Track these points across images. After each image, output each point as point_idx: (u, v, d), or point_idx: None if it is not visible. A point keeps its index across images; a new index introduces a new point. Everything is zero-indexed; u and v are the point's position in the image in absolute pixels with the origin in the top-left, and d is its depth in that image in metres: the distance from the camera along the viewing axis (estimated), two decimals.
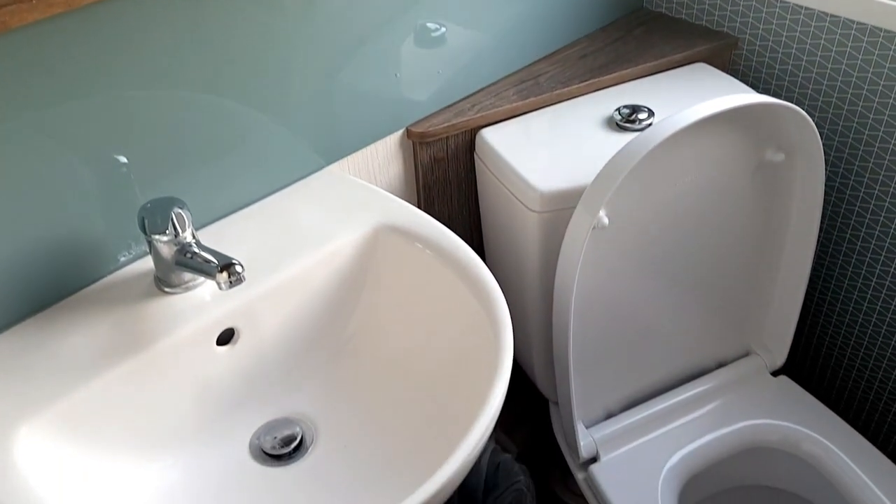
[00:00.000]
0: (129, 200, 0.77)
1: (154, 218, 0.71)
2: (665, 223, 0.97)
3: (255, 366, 0.80)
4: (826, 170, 1.11)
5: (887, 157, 1.03)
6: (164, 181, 0.78)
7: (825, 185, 1.05)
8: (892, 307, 1.12)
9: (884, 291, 1.12)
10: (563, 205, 0.93)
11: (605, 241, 0.93)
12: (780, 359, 1.14)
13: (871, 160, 1.05)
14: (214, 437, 0.77)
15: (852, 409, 1.25)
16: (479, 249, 1.12)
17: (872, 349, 1.17)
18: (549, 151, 0.99)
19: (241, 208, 0.86)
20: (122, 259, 0.79)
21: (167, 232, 0.71)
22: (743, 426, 1.07)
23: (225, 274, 0.69)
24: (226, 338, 0.78)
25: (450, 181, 1.04)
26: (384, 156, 0.98)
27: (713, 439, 1.06)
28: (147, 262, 0.79)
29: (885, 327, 1.14)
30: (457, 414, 0.72)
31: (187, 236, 0.73)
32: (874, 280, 1.13)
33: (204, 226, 0.84)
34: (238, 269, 0.69)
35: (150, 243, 0.74)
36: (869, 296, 1.15)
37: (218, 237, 0.83)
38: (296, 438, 0.77)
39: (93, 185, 0.74)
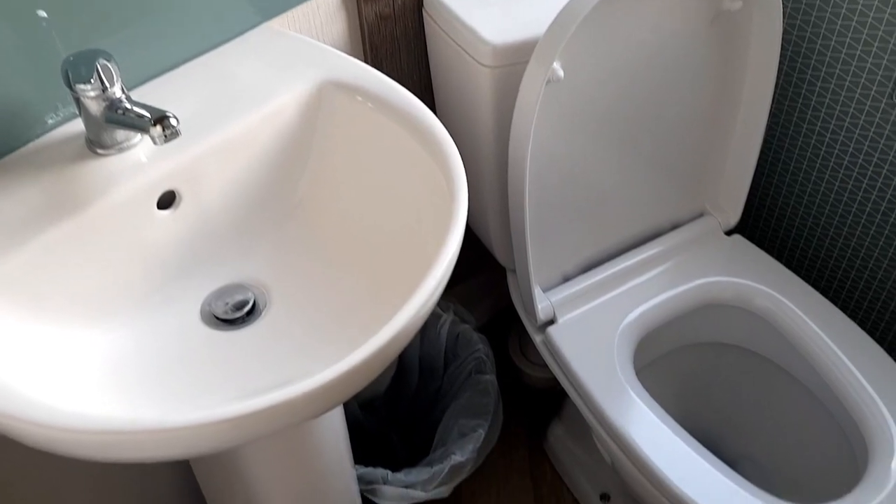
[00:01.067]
0: (52, 59, 0.71)
1: (78, 69, 0.66)
2: (621, 77, 0.94)
3: (201, 231, 0.77)
4: (783, 22, 1.09)
5: (845, 6, 1.01)
6: (89, 38, 0.73)
7: (782, 38, 1.03)
8: (845, 164, 1.12)
9: (836, 148, 1.12)
10: (517, 59, 0.89)
11: (560, 97, 0.90)
12: (734, 218, 1.14)
13: (829, 9, 1.03)
14: (164, 304, 0.74)
15: (804, 265, 1.28)
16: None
17: (825, 206, 1.18)
18: (502, 5, 0.94)
19: (174, 67, 0.81)
20: (50, 122, 0.74)
21: (93, 83, 0.66)
22: (697, 284, 1.09)
23: (159, 128, 0.65)
24: (167, 201, 0.74)
25: (398, 40, 0.99)
26: (326, 13, 0.92)
27: (668, 298, 1.08)
28: (77, 125, 0.74)
29: (837, 184, 1.15)
30: (412, 272, 0.71)
31: (116, 91, 0.68)
32: (828, 136, 1.13)
33: (135, 86, 0.79)
34: (173, 122, 0.65)
35: (77, 101, 0.69)
36: (822, 153, 1.15)
37: (151, 97, 0.78)
38: (248, 303, 0.75)
39: (11, 44, 0.68)
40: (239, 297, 0.76)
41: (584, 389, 0.98)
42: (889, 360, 1.00)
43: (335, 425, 0.89)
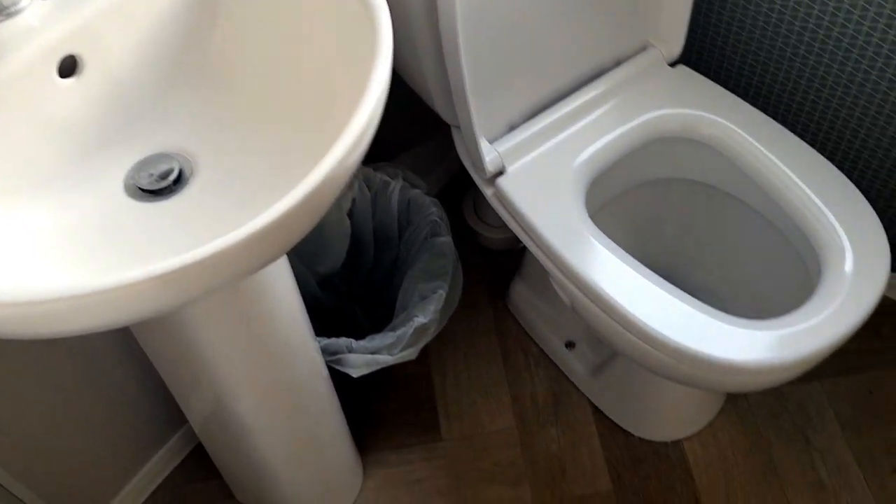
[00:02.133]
0: None
1: None
2: None
3: (112, 98, 0.71)
4: None
5: None
6: None
7: None
8: None
9: None
10: None
11: None
12: (677, 48, 1.11)
13: None
14: (83, 179, 0.70)
15: (751, 90, 1.26)
16: None
17: (767, 27, 1.15)
18: None
19: None
20: None
21: None
22: (644, 119, 1.06)
23: None
24: (69, 68, 0.69)
25: None
26: None
27: (616, 136, 1.05)
28: None
29: (777, 4, 1.11)
30: (340, 122, 0.67)
31: None
32: None
33: None
34: None
35: None
36: None
37: None
38: (172, 172, 0.71)
39: None
40: (163, 167, 0.72)
41: (538, 235, 0.97)
42: (836, 171, 0.99)
43: (288, 295, 0.88)
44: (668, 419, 1.22)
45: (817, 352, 0.86)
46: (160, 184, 0.71)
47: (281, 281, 0.84)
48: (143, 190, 0.71)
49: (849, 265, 0.91)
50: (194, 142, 0.74)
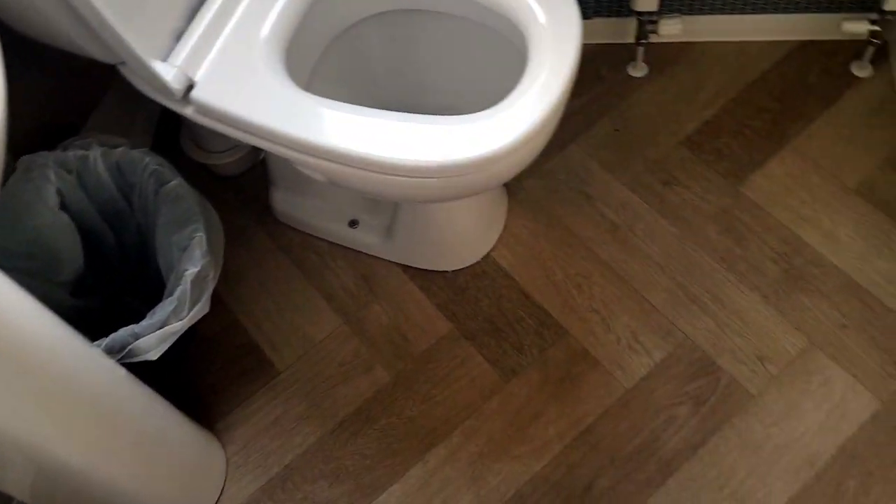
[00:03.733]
0: None
1: None
2: None
3: None
4: None
5: None
6: None
7: None
8: None
9: None
10: None
11: None
12: None
13: None
14: None
15: None
16: None
17: None
18: None
19: None
20: None
21: None
22: None
23: None
24: None
25: None
26: None
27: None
28: None
29: None
30: None
31: None
32: None
33: None
34: None
35: None
36: None
37: None
38: None
39: None
40: None
41: (257, 127, 0.90)
42: None
43: (33, 326, 0.76)
44: (467, 241, 1.25)
45: (544, 118, 0.88)
46: None
47: (19, 320, 0.72)
48: None
49: (543, 20, 0.93)
50: None
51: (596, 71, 1.43)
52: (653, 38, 1.37)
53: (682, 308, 1.20)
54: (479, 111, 0.89)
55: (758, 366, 1.15)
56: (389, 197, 0.95)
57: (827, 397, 1.12)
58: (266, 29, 0.96)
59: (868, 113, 1.34)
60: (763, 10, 1.39)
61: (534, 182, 1.32)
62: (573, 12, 0.95)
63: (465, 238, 1.24)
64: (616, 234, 1.27)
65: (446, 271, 1.25)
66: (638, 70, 1.42)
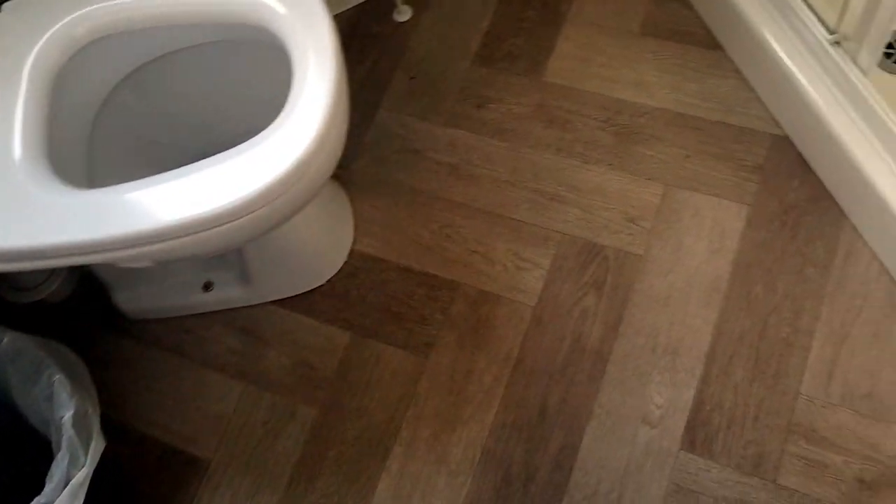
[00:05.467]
0: None
1: None
2: None
3: None
4: None
5: None
6: None
7: None
8: None
9: None
10: None
11: None
12: None
13: None
14: None
15: None
16: None
17: None
18: None
19: None
20: None
21: None
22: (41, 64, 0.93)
23: None
24: None
25: None
26: None
27: (28, 101, 0.91)
28: None
29: None
30: None
31: None
32: None
33: None
34: None
35: None
36: None
37: None
38: None
39: None
40: None
41: (52, 249, 0.83)
42: None
43: None
44: (325, 249, 1.22)
45: (331, 105, 0.84)
46: None
47: None
48: None
49: (283, 10, 0.90)
50: None
51: (367, 30, 1.41)
52: None
53: (546, 210, 1.22)
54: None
55: (632, 227, 1.18)
56: (226, 248, 0.90)
57: (702, 225, 1.17)
58: (17, 148, 0.88)
59: None
60: None
61: (361, 162, 1.30)
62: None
63: (321, 247, 1.21)
64: (458, 173, 1.27)
65: (320, 286, 1.21)
66: (403, 14, 1.41)
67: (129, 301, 1.20)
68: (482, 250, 1.21)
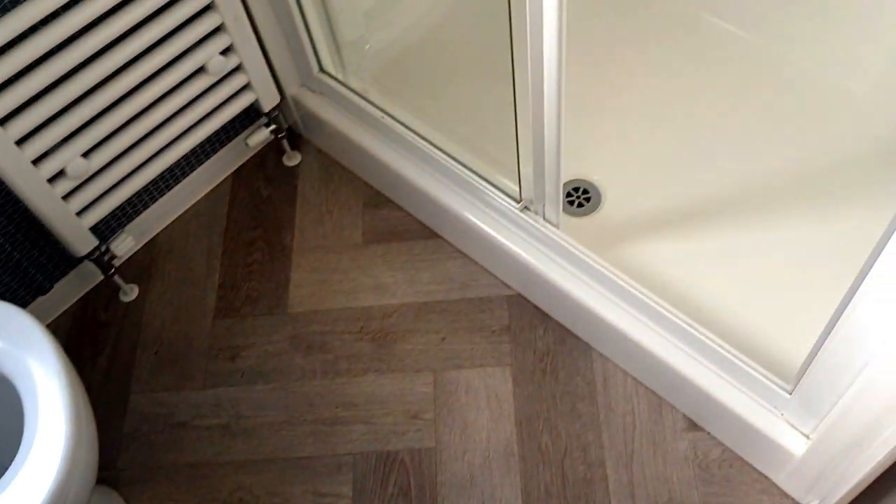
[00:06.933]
0: None
1: None
2: None
3: None
4: None
5: None
6: None
7: None
8: None
9: None
10: None
11: None
12: None
13: None
14: None
15: None
16: None
17: None
18: None
19: None
20: None
21: None
22: None
23: None
24: None
25: None
26: None
27: None
28: None
29: None
30: None
31: None
32: None
33: None
34: None
35: None
36: None
37: None
38: None
39: None
40: None
41: None
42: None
43: None
44: None
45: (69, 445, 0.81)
46: None
47: None
48: None
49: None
50: None
51: (96, 319, 1.35)
52: (118, 262, 1.34)
53: (331, 436, 1.20)
54: None
55: (417, 423, 1.20)
56: None
57: (478, 397, 1.22)
58: None
59: (321, 185, 1.49)
60: (183, 176, 1.45)
61: (126, 456, 1.21)
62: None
63: None
64: (232, 432, 1.22)
65: None
66: (129, 293, 1.38)
67: None
68: (280, 502, 1.15)
